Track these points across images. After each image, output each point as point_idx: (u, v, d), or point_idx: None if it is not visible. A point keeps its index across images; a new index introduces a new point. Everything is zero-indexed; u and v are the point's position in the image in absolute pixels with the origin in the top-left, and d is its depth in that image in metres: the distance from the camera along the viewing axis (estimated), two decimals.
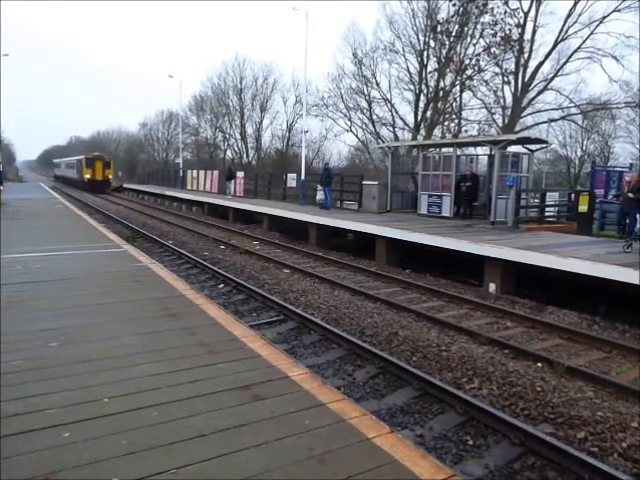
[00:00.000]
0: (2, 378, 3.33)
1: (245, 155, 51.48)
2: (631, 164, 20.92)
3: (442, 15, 30.32)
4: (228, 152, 53.99)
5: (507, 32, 28.04)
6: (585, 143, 41.02)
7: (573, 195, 15.09)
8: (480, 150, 19.44)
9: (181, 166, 39.62)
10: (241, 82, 50.11)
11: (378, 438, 2.71)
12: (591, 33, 28.33)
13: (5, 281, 6.07)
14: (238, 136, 51.98)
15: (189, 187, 32.66)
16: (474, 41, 29.65)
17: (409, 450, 2.61)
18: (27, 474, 2.32)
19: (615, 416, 4.65)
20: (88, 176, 42.73)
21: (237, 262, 12.07)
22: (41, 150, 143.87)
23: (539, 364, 6.01)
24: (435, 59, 31.81)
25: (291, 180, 23.28)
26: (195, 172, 32.89)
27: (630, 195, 11.30)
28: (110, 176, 44.62)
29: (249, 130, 51.25)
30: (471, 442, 4.38)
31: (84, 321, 4.62)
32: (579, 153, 41.70)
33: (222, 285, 9.90)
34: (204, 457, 2.48)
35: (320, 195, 18.49)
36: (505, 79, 30.08)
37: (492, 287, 9.50)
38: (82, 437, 2.65)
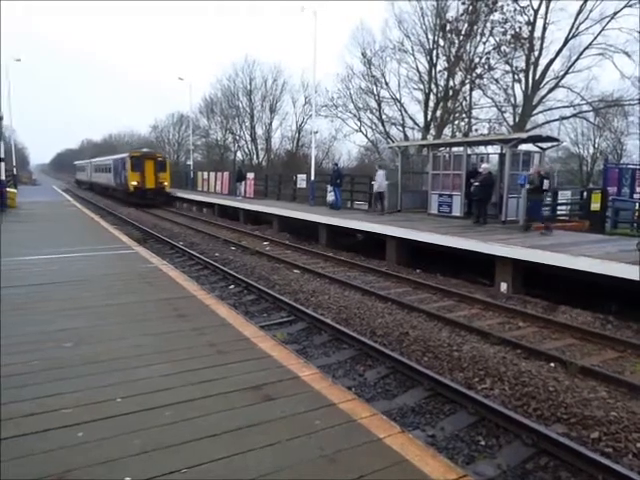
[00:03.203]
0: (17, 378, 3.38)
1: (255, 156, 51.59)
2: None
3: (451, 14, 30.17)
4: (238, 153, 54.14)
5: (517, 30, 27.79)
6: (597, 140, 40.64)
7: (585, 193, 14.94)
8: (491, 149, 19.31)
9: (191, 168, 39.74)
10: (250, 83, 50.26)
11: (388, 438, 2.71)
12: (602, 29, 27.98)
13: (21, 283, 6.19)
14: (248, 137, 52.13)
15: (199, 188, 32.78)
16: (484, 39, 29.40)
17: (419, 450, 2.61)
18: (41, 473, 2.36)
19: (629, 416, 4.59)
20: (135, 183, 28.57)
21: (247, 263, 12.12)
22: (53, 154, 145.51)
23: (552, 364, 5.96)
24: (445, 58, 31.62)
25: (301, 181, 23.29)
26: (205, 174, 32.97)
27: (527, 186, 11.46)
28: (166, 183, 29.99)
29: (259, 131, 51.39)
30: (483, 442, 4.36)
31: (97, 322, 4.69)
32: (591, 151, 41.33)
33: (233, 286, 9.95)
34: (215, 457, 2.50)
35: (330, 196, 18.47)
36: (515, 77, 29.89)
37: (503, 286, 9.43)
38: (95, 437, 2.68)
